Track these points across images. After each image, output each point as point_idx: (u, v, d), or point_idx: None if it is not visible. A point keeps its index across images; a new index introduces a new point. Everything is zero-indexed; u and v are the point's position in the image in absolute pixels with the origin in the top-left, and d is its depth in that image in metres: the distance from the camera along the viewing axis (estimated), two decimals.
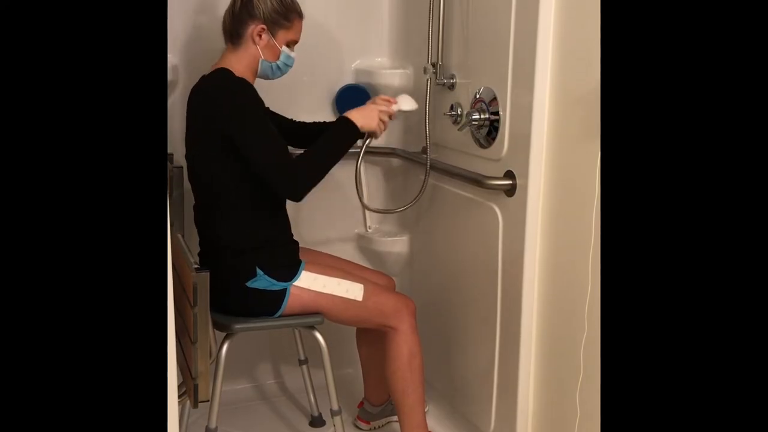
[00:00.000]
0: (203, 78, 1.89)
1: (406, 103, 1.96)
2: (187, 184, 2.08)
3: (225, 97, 1.78)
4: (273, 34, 1.88)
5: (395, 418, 2.14)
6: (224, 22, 1.91)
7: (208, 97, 1.83)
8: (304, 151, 1.83)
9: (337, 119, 1.90)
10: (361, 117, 1.88)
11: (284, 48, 1.91)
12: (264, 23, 1.86)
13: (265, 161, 1.76)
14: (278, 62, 1.92)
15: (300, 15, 1.92)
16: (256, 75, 1.93)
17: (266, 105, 1.95)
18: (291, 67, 1.96)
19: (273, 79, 1.97)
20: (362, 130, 1.88)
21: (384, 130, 1.93)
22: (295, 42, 1.94)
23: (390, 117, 1.94)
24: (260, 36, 1.87)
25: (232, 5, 1.89)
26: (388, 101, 1.95)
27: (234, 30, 1.88)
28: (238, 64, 1.88)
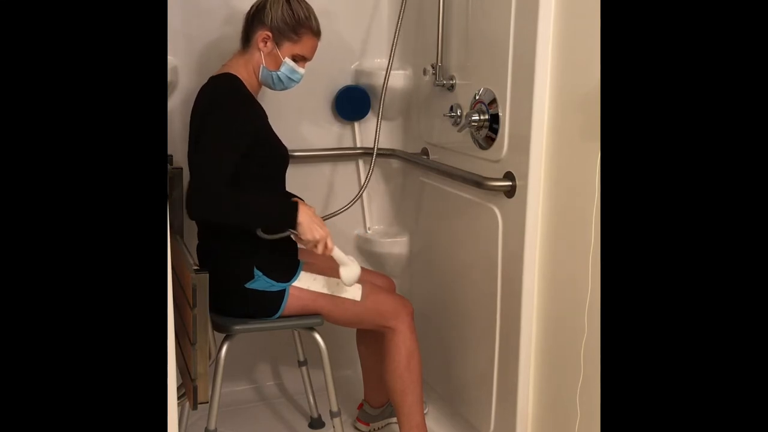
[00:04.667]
0: (211, 78, 1.92)
1: (347, 273, 1.80)
2: (186, 185, 2.08)
3: (222, 101, 1.80)
4: (278, 44, 1.88)
5: (395, 419, 2.14)
6: (243, 23, 1.94)
7: (209, 98, 1.84)
8: (242, 193, 1.73)
9: (293, 202, 1.78)
10: (309, 223, 1.75)
11: (287, 60, 1.90)
12: (270, 31, 1.87)
13: (195, 179, 1.68)
14: (279, 72, 1.91)
15: (314, 32, 1.91)
16: (258, 80, 1.94)
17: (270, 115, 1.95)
18: (296, 82, 1.95)
19: (276, 90, 1.97)
20: (298, 228, 1.74)
21: (310, 248, 1.78)
22: (305, 58, 1.93)
23: (323, 250, 1.78)
24: (265, 43, 1.88)
25: (250, 9, 1.92)
26: (330, 249, 1.78)
27: (245, 34, 1.92)
28: (244, 68, 1.91)
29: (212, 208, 1.67)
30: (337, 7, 2.41)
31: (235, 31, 1.99)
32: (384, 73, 2.44)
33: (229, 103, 1.80)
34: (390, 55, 2.20)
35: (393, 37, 2.18)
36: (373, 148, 2.29)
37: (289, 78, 1.93)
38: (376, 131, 2.27)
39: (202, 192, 1.65)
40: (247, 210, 1.73)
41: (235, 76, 1.87)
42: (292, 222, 1.74)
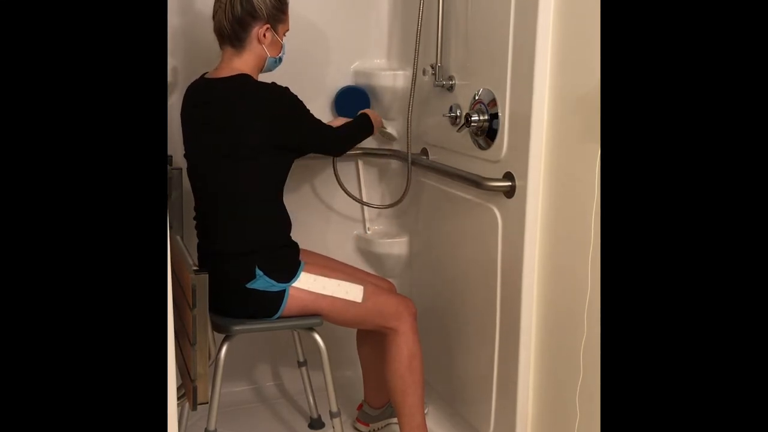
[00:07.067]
0: (212, 81, 1.88)
1: (392, 129, 2.44)
2: (185, 186, 2.07)
3: (280, 109, 1.84)
4: (275, 30, 1.90)
5: (395, 420, 2.14)
6: (221, 26, 1.88)
7: (243, 105, 1.80)
8: (344, 125, 2.14)
9: (365, 115, 2.21)
10: (375, 121, 2.21)
11: (283, 40, 1.95)
12: (267, 22, 1.87)
13: (324, 145, 2.04)
14: (281, 54, 1.95)
15: (288, 2, 1.95)
16: (260, 72, 1.94)
17: None
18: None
19: (273, 70, 1.99)
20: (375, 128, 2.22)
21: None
22: (288, 30, 1.98)
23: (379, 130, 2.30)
24: (265, 35, 1.88)
25: (230, 9, 1.85)
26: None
27: (235, 33, 1.86)
28: (245, 65, 1.88)
29: (348, 145, 2.14)
30: (336, 7, 2.41)
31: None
32: (383, 73, 2.44)
33: (293, 98, 1.87)
34: (414, 57, 2.17)
35: (415, 39, 2.15)
36: (407, 152, 2.29)
37: (284, 55, 1.98)
38: (407, 133, 2.26)
39: (335, 142, 2.08)
40: (358, 133, 2.16)
41: (252, 76, 1.87)
42: (372, 128, 2.21)
